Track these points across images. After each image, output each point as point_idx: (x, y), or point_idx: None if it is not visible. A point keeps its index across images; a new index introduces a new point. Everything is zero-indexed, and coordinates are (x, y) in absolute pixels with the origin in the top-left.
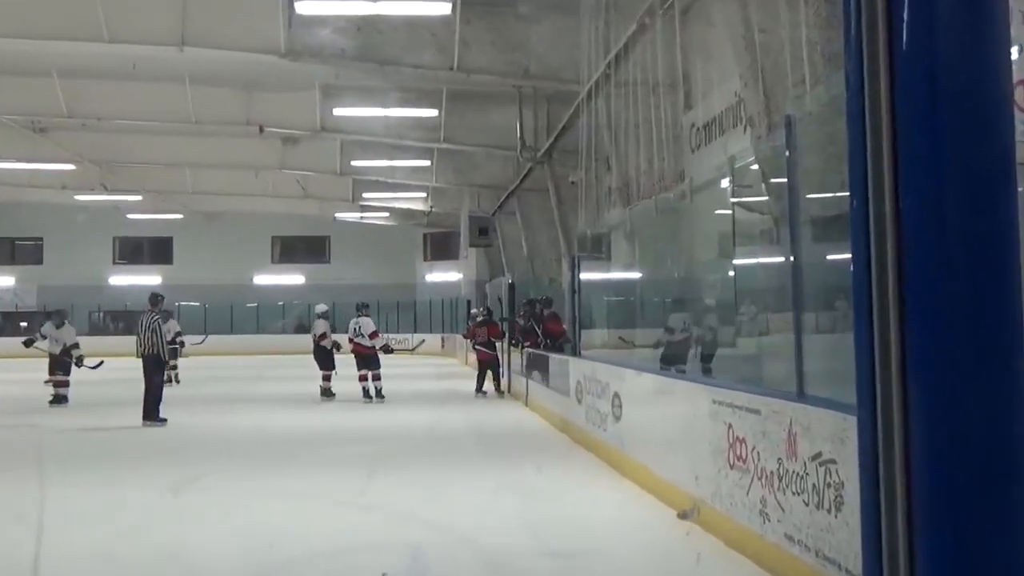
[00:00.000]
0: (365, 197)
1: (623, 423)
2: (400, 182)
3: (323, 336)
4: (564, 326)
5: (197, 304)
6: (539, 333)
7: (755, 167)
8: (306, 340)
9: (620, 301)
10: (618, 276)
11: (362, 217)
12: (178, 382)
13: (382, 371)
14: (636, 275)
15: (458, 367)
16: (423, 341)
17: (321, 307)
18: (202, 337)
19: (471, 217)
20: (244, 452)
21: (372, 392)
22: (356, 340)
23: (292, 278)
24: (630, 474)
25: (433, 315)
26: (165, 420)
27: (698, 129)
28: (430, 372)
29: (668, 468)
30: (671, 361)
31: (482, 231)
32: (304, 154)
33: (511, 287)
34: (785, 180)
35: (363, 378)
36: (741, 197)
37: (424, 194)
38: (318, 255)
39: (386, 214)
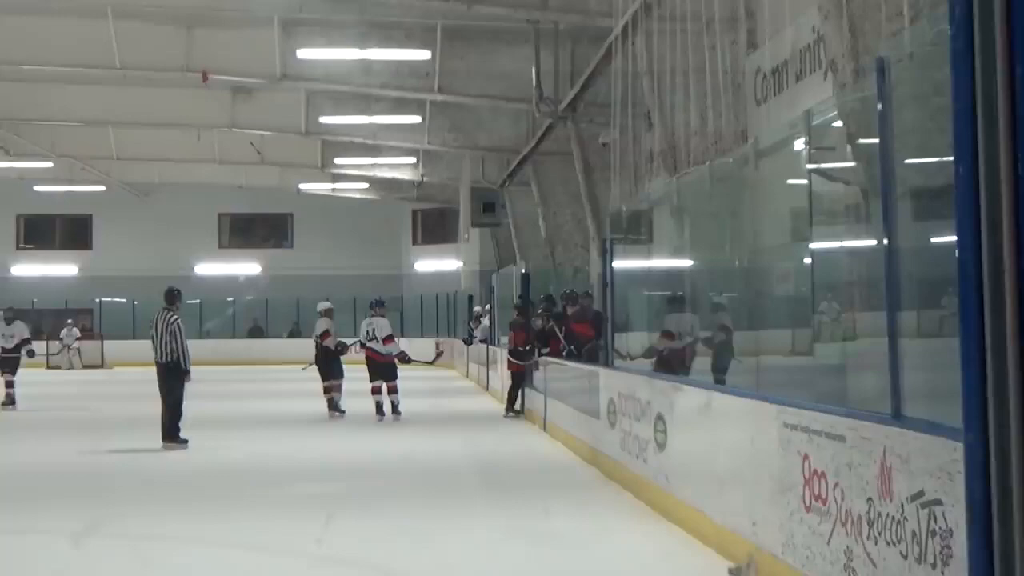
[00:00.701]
0: (338, 164)
1: (669, 453)
2: (383, 144)
3: (325, 334)
4: (593, 329)
5: (123, 300)
6: (560, 337)
7: (838, 124)
8: (263, 347)
9: (665, 297)
10: (662, 264)
11: (334, 189)
12: (13, 403)
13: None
14: (685, 263)
15: (457, 381)
16: (441, 353)
17: (324, 304)
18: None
19: (473, 189)
20: (169, 489)
21: (387, 408)
22: (370, 345)
23: (245, 267)
24: (677, 518)
25: (425, 314)
26: (187, 442)
27: (765, 76)
28: (422, 387)
29: (726, 510)
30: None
31: (487, 207)
32: (260, 109)
33: (525, 278)
34: (876, 141)
35: (376, 391)
36: (820, 162)
37: (413, 159)
38: (278, 237)
39: (364, 185)
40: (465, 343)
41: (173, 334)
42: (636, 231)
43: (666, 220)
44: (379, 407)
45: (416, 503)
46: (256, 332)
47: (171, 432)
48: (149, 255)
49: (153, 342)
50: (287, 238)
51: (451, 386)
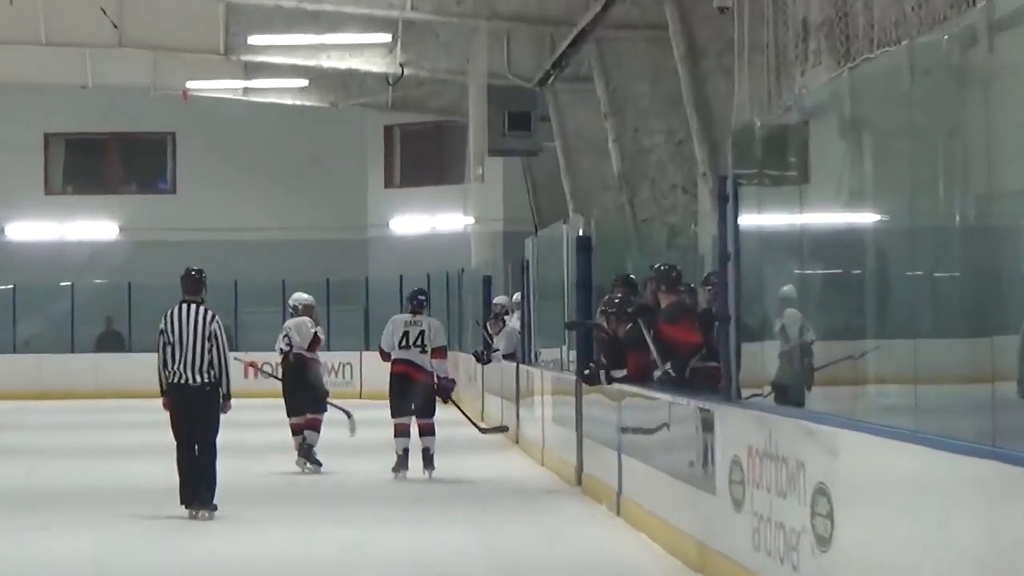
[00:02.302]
0: (253, 45)
1: (837, 552)
2: (332, 10)
3: (315, 341)
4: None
5: None
6: (650, 344)
7: None
8: (123, 366)
9: (832, 278)
10: (826, 221)
11: (246, 90)
12: None
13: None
14: (867, 218)
15: (468, 426)
16: (506, 428)
17: (302, 297)
18: None
19: (492, 89)
20: None
21: (421, 459)
22: (406, 356)
23: (91, 226)
24: None
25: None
26: (216, 507)
27: None
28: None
29: None
30: None
31: (517, 121)
32: None
33: (583, 245)
34: None
35: (402, 430)
36: None
37: (387, 37)
38: (148, 176)
39: (302, 83)
40: (478, 360)
41: (213, 338)
42: (779, 163)
43: (832, 143)
44: (403, 457)
45: None
46: (110, 341)
47: (204, 494)
48: None
49: (173, 354)
50: (165, 177)
51: (458, 435)
